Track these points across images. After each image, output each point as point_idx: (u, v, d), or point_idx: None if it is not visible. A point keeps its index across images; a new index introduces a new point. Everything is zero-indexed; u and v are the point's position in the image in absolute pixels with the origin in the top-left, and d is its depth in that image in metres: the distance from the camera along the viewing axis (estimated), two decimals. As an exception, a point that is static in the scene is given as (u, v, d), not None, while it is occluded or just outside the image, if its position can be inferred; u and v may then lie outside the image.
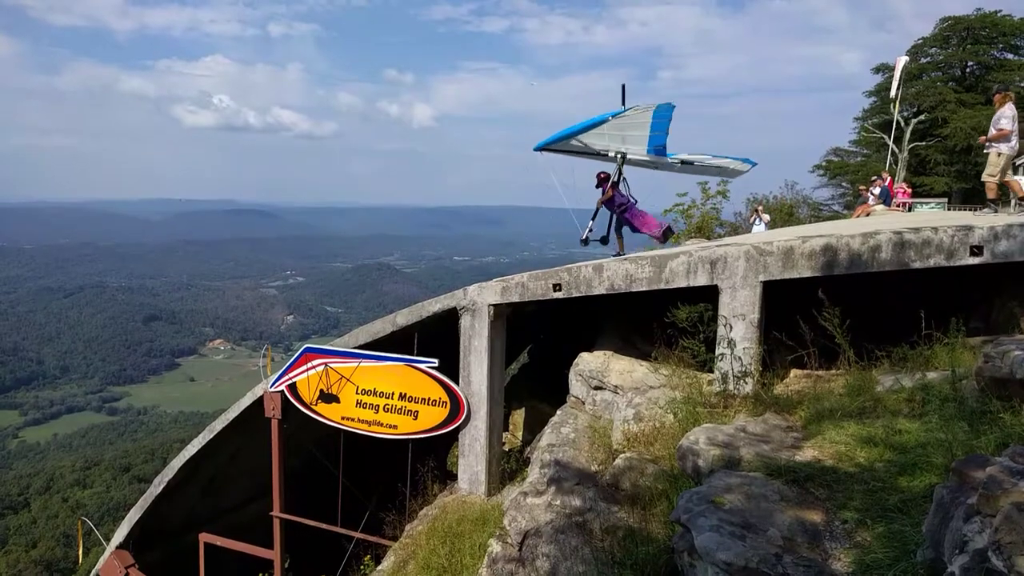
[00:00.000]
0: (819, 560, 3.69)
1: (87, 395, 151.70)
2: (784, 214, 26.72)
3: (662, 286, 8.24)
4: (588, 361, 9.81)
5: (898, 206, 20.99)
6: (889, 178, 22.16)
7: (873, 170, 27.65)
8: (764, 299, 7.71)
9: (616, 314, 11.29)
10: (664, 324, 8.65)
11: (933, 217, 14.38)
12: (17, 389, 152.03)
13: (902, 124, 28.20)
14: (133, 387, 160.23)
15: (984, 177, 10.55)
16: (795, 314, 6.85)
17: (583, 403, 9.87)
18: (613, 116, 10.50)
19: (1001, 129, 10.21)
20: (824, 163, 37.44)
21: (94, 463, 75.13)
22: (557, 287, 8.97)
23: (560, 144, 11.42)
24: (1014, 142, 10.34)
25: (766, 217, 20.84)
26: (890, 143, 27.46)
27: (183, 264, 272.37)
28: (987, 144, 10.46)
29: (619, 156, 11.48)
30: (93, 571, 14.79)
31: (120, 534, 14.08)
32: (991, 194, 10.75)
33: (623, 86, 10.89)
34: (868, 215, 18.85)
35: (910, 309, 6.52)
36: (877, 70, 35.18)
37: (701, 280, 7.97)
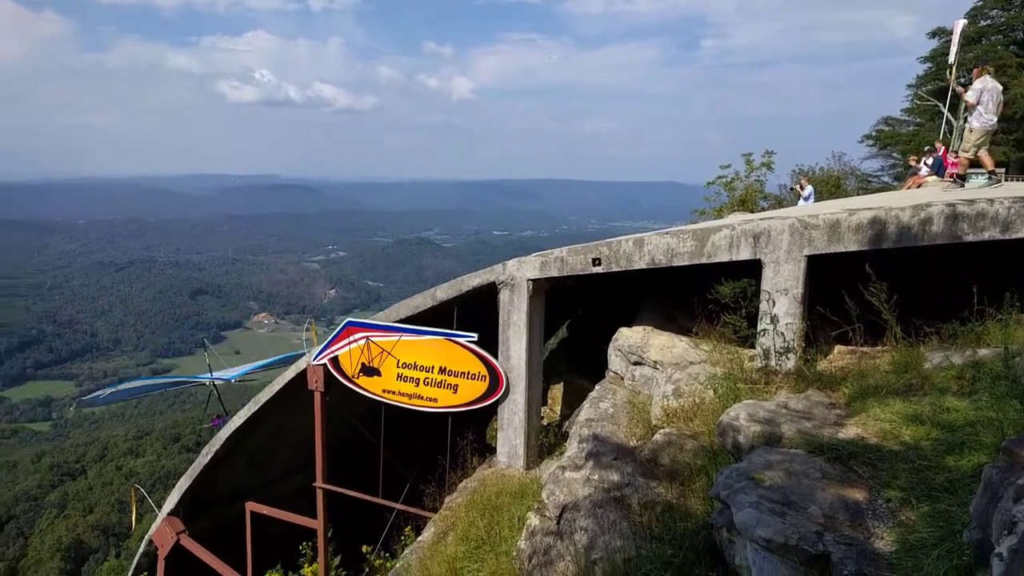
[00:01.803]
0: (861, 538, 3.64)
1: (138, 367, 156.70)
2: (831, 186, 26.02)
3: (704, 260, 8.12)
4: (627, 336, 9.75)
5: (950, 177, 20.28)
6: (943, 148, 21.39)
7: (926, 140, 26.69)
8: (808, 274, 7.55)
9: (656, 289, 11.21)
10: (705, 299, 8.54)
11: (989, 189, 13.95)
12: (72, 361, 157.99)
13: (959, 91, 27.10)
14: (181, 359, 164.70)
15: (959, 152, 11.24)
16: (840, 289, 6.70)
17: (622, 378, 9.83)
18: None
19: (967, 99, 11.13)
20: (874, 133, 36.22)
21: (145, 433, 77.83)
22: (597, 262, 8.90)
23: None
24: (987, 118, 10.84)
25: (808, 188, 20.31)
26: (945, 111, 26.44)
27: (228, 239, 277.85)
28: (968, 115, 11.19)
29: (212, 384, 15.80)
30: (146, 536, 15.36)
31: (171, 502, 14.57)
32: (961, 169, 11.33)
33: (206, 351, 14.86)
34: (920, 187, 18.26)
35: (962, 284, 6.32)
36: (933, 34, 33.82)
37: (744, 254, 7.83)
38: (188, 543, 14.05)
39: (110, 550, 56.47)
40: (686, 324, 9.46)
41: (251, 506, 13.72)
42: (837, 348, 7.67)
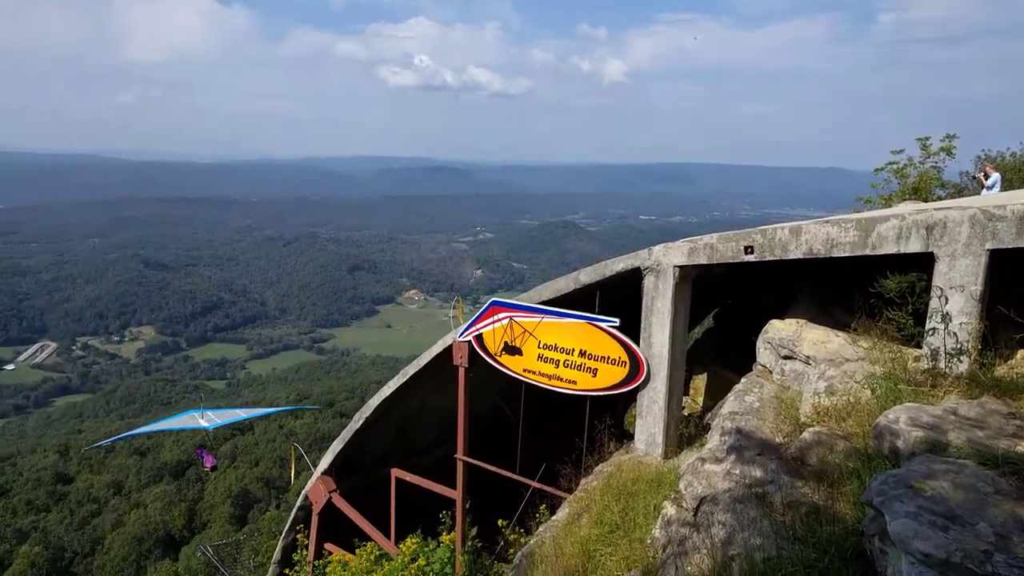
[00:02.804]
0: (1039, 563, 3.28)
1: (300, 335, 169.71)
2: (1023, 174, 23.37)
3: (867, 252, 7.57)
4: (779, 329, 9.31)
5: None
6: None
7: None
8: (990, 270, 6.86)
9: (812, 280, 10.61)
10: (867, 293, 7.98)
11: None
12: (244, 326, 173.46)
13: None
14: (338, 330, 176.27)
15: None
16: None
17: (770, 372, 9.42)
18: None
19: None
20: (1078, 115, 32.12)
21: (304, 396, 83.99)
22: (749, 250, 8.53)
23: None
24: None
25: (994, 176, 18.28)
26: None
27: (384, 218, 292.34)
28: None
29: (206, 433, 19.66)
30: (302, 492, 16.58)
31: (325, 462, 15.63)
32: None
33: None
34: None
35: None
36: None
37: (914, 247, 7.23)
38: (339, 502, 15.03)
39: (271, 501, 61.68)
40: (843, 319, 8.90)
41: (396, 472, 14.45)
42: (1021, 353, 6.93)
